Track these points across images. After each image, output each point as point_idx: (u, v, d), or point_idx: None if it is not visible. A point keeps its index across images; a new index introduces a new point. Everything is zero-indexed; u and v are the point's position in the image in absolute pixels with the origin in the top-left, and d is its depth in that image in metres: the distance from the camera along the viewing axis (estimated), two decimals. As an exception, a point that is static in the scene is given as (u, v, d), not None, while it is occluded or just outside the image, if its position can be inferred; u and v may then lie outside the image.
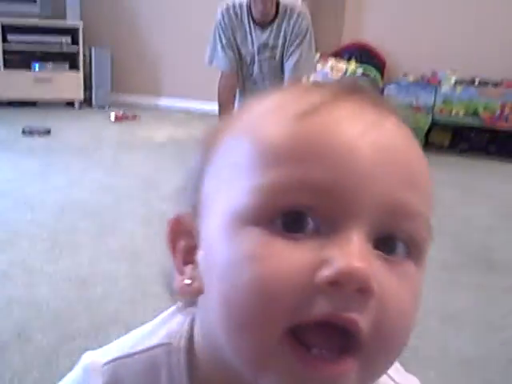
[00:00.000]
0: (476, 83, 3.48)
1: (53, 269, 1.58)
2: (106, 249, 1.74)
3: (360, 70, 3.76)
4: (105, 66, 4.24)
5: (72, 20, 4.09)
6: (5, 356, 1.18)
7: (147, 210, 2.12)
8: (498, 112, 3.22)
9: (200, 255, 0.37)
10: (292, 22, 2.76)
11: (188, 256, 0.39)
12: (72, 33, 4.06)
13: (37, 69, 3.99)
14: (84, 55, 4.15)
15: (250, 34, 2.78)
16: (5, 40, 3.83)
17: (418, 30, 4.04)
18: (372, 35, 4.09)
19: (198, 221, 0.38)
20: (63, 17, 4.11)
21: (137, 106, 4.25)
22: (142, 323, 0.45)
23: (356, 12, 4.19)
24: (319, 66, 3.55)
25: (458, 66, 3.74)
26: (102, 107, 4.18)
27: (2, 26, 3.80)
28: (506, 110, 3.20)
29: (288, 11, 2.76)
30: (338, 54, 4.02)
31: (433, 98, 3.34)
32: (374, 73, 3.68)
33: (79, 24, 4.05)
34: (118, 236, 1.85)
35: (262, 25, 2.75)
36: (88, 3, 4.26)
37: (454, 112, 3.32)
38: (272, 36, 2.76)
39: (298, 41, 2.76)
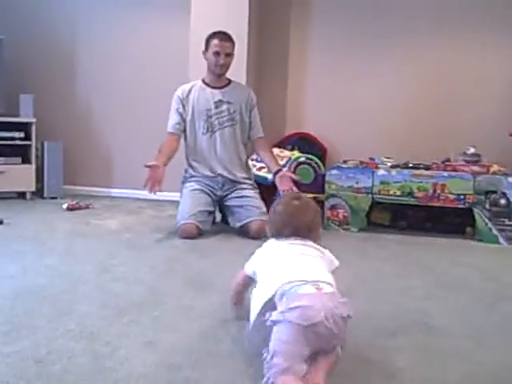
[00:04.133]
0: (409, 166, 3.77)
1: (10, 350, 1.61)
2: (63, 329, 1.78)
3: (302, 157, 4.02)
4: (57, 160, 4.36)
5: (25, 116, 4.23)
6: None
7: (102, 292, 2.18)
8: (431, 191, 3.49)
9: None
10: (246, 91, 3.54)
11: None
12: (25, 128, 4.19)
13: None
14: (36, 149, 4.26)
15: (205, 93, 3.44)
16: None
17: (356, 122, 4.39)
18: (313, 126, 4.41)
19: None
20: (16, 113, 4.25)
21: (89, 196, 4.34)
22: None
23: (297, 105, 4.51)
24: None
25: (392, 153, 4.07)
26: (53, 198, 4.26)
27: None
28: (438, 189, 3.47)
29: (236, 82, 3.53)
30: (281, 145, 4.29)
31: (371, 181, 3.59)
32: (316, 160, 3.92)
33: (32, 120, 4.20)
34: (74, 317, 1.90)
35: (216, 87, 3.44)
36: (41, 100, 4.43)
37: (391, 192, 3.56)
38: (226, 94, 3.45)
39: (253, 111, 3.52)
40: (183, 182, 3.50)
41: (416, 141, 4.26)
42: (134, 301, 2.10)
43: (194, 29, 4.08)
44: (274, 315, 1.44)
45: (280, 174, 3.32)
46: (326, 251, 1.77)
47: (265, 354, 1.43)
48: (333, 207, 3.66)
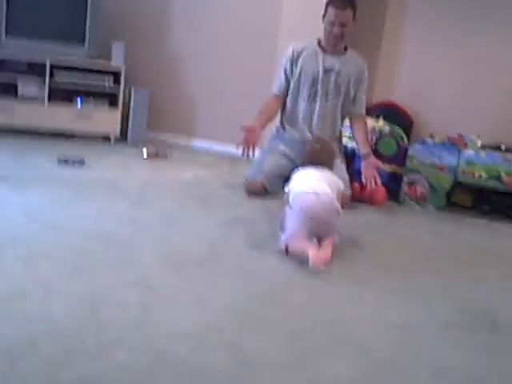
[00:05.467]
0: (502, 149, 3.52)
1: (69, 289, 1.68)
2: (122, 277, 1.84)
3: (387, 128, 3.85)
4: (142, 106, 4.45)
5: (116, 62, 4.32)
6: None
7: (165, 244, 2.22)
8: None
9: None
10: (359, 64, 3.37)
11: None
12: (115, 74, 4.29)
13: (79, 105, 4.21)
14: (123, 95, 4.36)
15: (317, 57, 3.28)
16: (52, 77, 4.08)
17: (447, 95, 4.15)
18: (401, 97, 4.21)
19: None
20: (108, 58, 4.34)
21: (169, 145, 4.42)
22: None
23: (387, 74, 4.32)
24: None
25: (484, 131, 3.81)
26: (136, 144, 4.36)
27: (51, 65, 4.06)
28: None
29: (353, 52, 3.37)
30: (367, 113, 4.13)
31: (456, 160, 3.40)
32: (400, 132, 3.75)
33: (122, 67, 4.28)
34: (134, 266, 1.95)
35: (331, 53, 3.29)
36: (132, 48, 4.50)
37: (476, 174, 3.36)
38: (338, 63, 3.29)
39: (361, 86, 3.39)
40: (270, 139, 3.44)
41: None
42: (193, 257, 2.12)
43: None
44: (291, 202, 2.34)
45: (368, 160, 3.23)
46: (335, 178, 2.51)
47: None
48: (411, 183, 3.50)
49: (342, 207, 2.40)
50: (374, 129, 3.87)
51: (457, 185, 3.48)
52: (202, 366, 1.37)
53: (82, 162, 3.39)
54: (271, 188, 3.19)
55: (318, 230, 2.25)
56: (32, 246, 2.01)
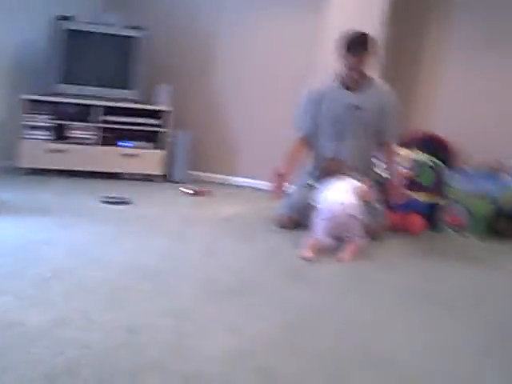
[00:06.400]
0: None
1: (106, 319, 1.76)
2: (157, 306, 1.91)
3: (426, 160, 3.85)
4: (186, 147, 4.61)
5: (162, 105, 4.52)
6: None
7: (201, 276, 2.28)
8: None
9: None
10: (383, 94, 3.27)
11: None
12: (160, 116, 4.48)
13: (127, 146, 4.42)
14: (168, 136, 4.53)
15: (340, 94, 3.25)
16: (105, 120, 4.32)
17: (488, 125, 4.10)
18: (440, 126, 4.19)
19: None
20: (155, 102, 4.55)
21: (212, 184, 4.54)
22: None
23: (426, 103, 4.33)
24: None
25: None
26: (178, 183, 4.50)
27: (104, 108, 4.31)
28: None
29: (376, 82, 3.31)
30: (404, 144, 4.12)
31: (496, 187, 3.36)
32: (439, 162, 3.72)
33: (169, 109, 4.47)
34: (170, 296, 2.02)
35: (352, 89, 3.24)
36: (178, 91, 4.68)
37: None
38: (361, 99, 3.23)
39: (389, 117, 3.29)
40: (301, 175, 3.44)
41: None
42: (229, 287, 2.17)
43: (328, 25, 4.01)
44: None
45: (392, 187, 3.30)
46: (355, 182, 2.90)
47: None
48: (451, 212, 3.47)
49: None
50: (412, 160, 3.88)
51: (500, 213, 3.42)
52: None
53: (125, 203, 3.53)
54: (302, 220, 3.17)
55: (339, 231, 2.75)
56: (74, 278, 2.11)
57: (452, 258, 2.99)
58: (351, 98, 3.25)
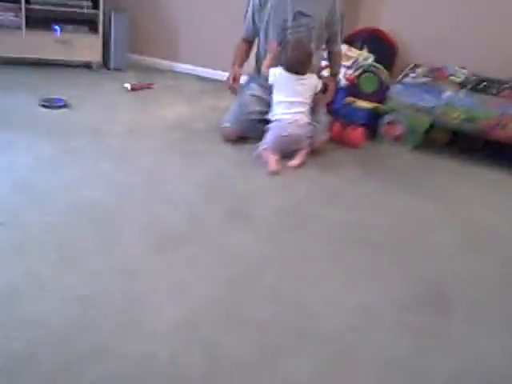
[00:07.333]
0: (482, 85, 3.53)
1: (60, 285, 1.83)
2: (106, 265, 1.98)
3: (371, 59, 3.84)
4: (123, 30, 4.34)
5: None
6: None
7: (148, 216, 2.34)
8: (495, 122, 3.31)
9: None
10: (329, 4, 3.21)
11: None
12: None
13: (58, 32, 4.11)
14: (103, 19, 4.24)
15: (285, 2, 3.15)
16: (28, 2, 3.95)
17: (435, 23, 4.03)
18: (386, 22, 4.11)
19: None
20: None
21: (152, 70, 4.39)
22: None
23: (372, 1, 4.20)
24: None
25: (470, 63, 3.77)
26: (118, 69, 4.32)
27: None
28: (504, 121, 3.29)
29: None
30: (350, 40, 4.06)
31: (435, 101, 3.43)
32: (382, 68, 3.71)
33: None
34: (116, 248, 2.09)
35: None
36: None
37: (454, 115, 3.41)
38: (307, 6, 3.15)
39: (335, 26, 3.28)
40: (244, 84, 3.41)
41: (499, 52, 3.89)
42: (175, 232, 2.24)
43: None
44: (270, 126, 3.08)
45: (329, 85, 3.36)
46: (314, 77, 3.16)
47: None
48: (390, 122, 3.57)
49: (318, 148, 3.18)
50: (356, 60, 3.86)
51: (434, 126, 3.55)
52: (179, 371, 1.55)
53: (65, 106, 3.42)
54: (248, 133, 3.25)
55: (290, 145, 3.02)
56: (17, 226, 2.13)
57: (389, 183, 3.13)
58: (298, 4, 3.16)
